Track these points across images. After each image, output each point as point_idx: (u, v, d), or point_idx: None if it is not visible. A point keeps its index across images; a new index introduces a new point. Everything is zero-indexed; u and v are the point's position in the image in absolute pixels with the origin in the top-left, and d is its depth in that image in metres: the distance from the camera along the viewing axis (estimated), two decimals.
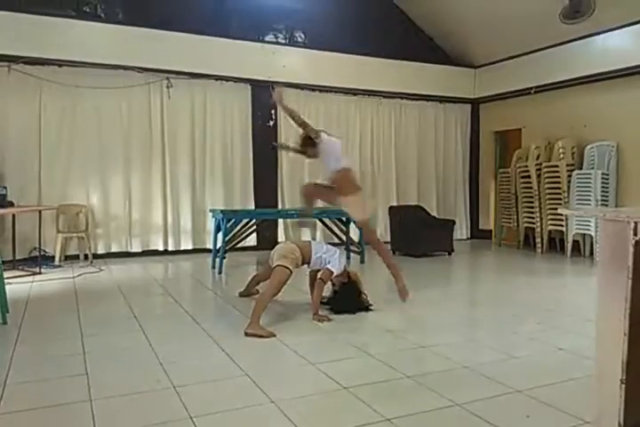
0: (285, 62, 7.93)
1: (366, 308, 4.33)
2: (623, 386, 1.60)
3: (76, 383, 2.71)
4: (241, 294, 4.83)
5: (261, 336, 3.54)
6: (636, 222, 1.48)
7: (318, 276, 4.23)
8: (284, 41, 8.24)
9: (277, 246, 4.38)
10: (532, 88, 8.21)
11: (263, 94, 7.92)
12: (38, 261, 6.15)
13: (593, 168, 7.24)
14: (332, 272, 4.21)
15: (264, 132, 8.00)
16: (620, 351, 1.55)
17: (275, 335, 3.56)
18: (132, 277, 6.17)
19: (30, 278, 5.71)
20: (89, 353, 3.19)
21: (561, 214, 7.24)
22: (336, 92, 8.41)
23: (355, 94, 8.58)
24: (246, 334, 3.56)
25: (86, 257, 6.84)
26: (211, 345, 3.37)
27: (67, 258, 6.78)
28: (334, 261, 4.24)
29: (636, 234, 1.49)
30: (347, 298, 4.28)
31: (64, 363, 3.04)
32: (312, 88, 8.23)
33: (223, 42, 7.45)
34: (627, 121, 7.07)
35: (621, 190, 7.18)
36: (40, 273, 5.97)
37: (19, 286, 5.30)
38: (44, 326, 3.92)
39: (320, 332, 3.75)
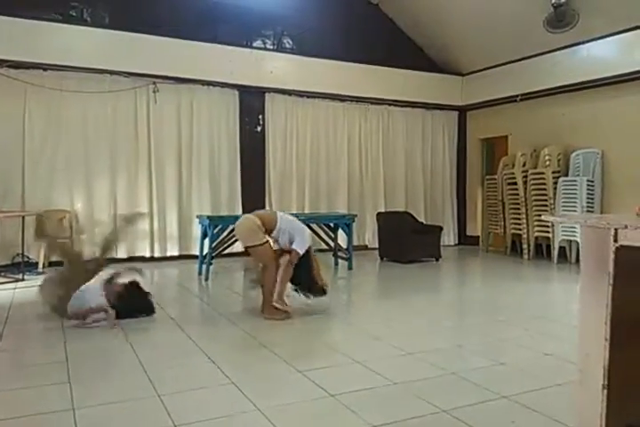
0: (273, 68, 7.93)
1: (323, 291, 4.28)
2: (605, 391, 1.61)
3: (58, 392, 2.66)
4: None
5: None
6: (616, 229, 1.49)
7: (286, 259, 4.12)
8: (272, 47, 8.25)
9: (236, 226, 4.24)
10: (517, 96, 8.29)
11: (251, 100, 7.94)
12: (21, 267, 6.06)
13: (578, 175, 7.31)
14: (299, 253, 4.09)
15: (252, 137, 7.99)
16: (601, 357, 1.56)
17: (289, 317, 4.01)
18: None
19: (13, 285, 5.63)
20: (71, 361, 3.14)
21: (547, 221, 7.29)
22: (324, 97, 8.43)
23: (342, 100, 8.60)
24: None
25: None
26: (196, 352, 3.33)
27: (50, 264, 6.69)
28: (301, 240, 4.09)
29: (616, 240, 1.51)
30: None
31: (46, 371, 3.00)
32: (300, 94, 8.24)
33: (211, 47, 7.45)
34: (611, 128, 7.16)
35: (606, 197, 7.25)
36: (23, 280, 5.88)
37: (1, 292, 5.22)
38: (26, 333, 3.87)
39: (306, 338, 3.73)
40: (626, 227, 1.47)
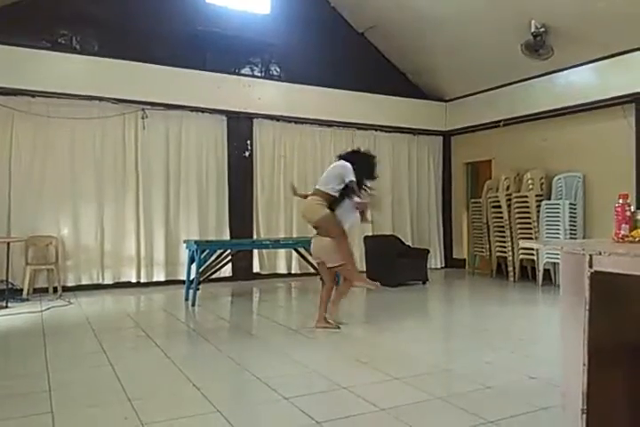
0: (261, 94, 8.05)
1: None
2: (584, 416, 1.63)
3: (40, 422, 2.62)
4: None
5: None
6: (590, 255, 1.53)
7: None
8: (259, 74, 8.38)
9: (301, 210, 4.89)
10: (500, 121, 8.46)
11: (239, 125, 8.02)
12: (5, 294, 5.99)
13: (561, 198, 7.43)
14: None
15: (240, 162, 8.05)
16: (580, 382, 1.59)
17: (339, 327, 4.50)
18: (103, 310, 6.06)
19: None
20: (55, 390, 3.10)
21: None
22: (311, 123, 8.54)
23: (330, 126, 8.72)
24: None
25: (55, 290, 6.69)
26: (182, 381, 3.30)
27: (35, 291, 6.61)
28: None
29: (591, 266, 1.55)
30: None
31: (29, 401, 2.95)
32: (288, 120, 8.35)
33: (199, 74, 7.55)
34: (592, 153, 7.31)
35: (589, 220, 7.37)
36: (7, 307, 5.80)
37: None
38: (9, 362, 3.81)
39: (290, 362, 3.71)
40: (600, 253, 1.52)
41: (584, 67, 7.23)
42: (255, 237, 8.08)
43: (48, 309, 5.76)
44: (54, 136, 6.85)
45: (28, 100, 6.67)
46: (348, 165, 4.62)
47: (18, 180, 6.66)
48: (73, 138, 6.96)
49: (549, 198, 7.62)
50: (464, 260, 9.45)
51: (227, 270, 7.59)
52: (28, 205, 6.71)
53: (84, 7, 7.02)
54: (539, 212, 7.55)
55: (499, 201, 8.08)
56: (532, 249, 7.54)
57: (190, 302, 6.05)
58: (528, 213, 7.67)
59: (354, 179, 4.53)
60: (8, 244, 6.09)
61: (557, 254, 7.14)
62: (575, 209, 7.31)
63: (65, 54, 6.84)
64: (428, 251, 8.15)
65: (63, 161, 6.92)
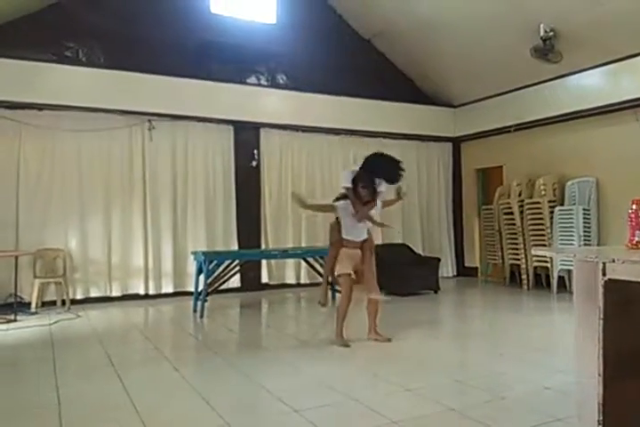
0: (268, 103, 8.04)
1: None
2: None
3: None
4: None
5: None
6: (604, 263, 1.46)
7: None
8: (265, 83, 8.38)
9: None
10: (511, 126, 8.37)
11: (246, 135, 8.01)
12: (14, 307, 5.97)
13: (574, 204, 7.31)
14: None
15: (247, 172, 8.02)
16: (596, 392, 1.51)
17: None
18: (111, 323, 6.02)
19: (5, 326, 5.52)
20: (64, 404, 3.06)
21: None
22: (318, 131, 8.50)
23: (337, 134, 8.68)
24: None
25: (63, 303, 6.67)
26: (191, 394, 3.24)
27: (43, 304, 6.60)
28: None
29: (604, 274, 1.48)
30: None
31: (38, 414, 2.92)
32: (295, 128, 8.32)
33: (205, 84, 7.55)
34: (604, 157, 7.20)
35: (603, 225, 7.23)
36: (15, 320, 5.78)
37: None
38: (18, 376, 3.78)
39: (300, 375, 3.65)
40: (613, 261, 1.45)
41: (594, 70, 7.13)
42: (263, 247, 8.03)
43: (56, 322, 5.73)
44: (61, 149, 6.87)
45: (35, 114, 6.69)
46: (345, 172, 4.74)
47: (25, 193, 6.66)
48: (80, 150, 6.97)
49: (562, 204, 7.50)
50: (476, 268, 9.31)
51: (235, 281, 7.53)
52: (36, 219, 6.71)
53: (90, 20, 7.05)
54: (552, 218, 7.43)
55: (511, 207, 7.97)
56: (546, 256, 7.42)
57: (199, 314, 5.99)
58: (541, 219, 7.55)
59: (347, 185, 4.55)
60: (16, 257, 6.10)
61: (572, 261, 7.01)
62: (589, 215, 7.18)
63: (71, 67, 6.86)
64: (439, 259, 8.04)
65: (70, 174, 6.93)
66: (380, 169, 4.63)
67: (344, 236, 4.62)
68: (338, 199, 4.66)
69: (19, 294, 6.32)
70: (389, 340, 4.60)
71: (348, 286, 4.56)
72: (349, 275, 4.55)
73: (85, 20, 7.04)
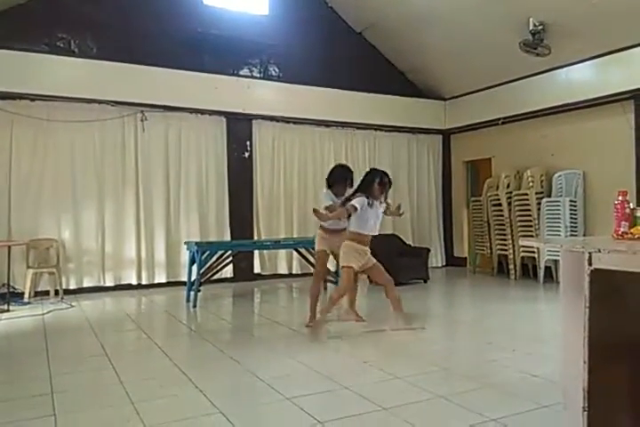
0: (260, 95, 8.05)
1: None
2: (585, 413, 1.62)
3: (43, 425, 2.62)
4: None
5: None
6: (590, 253, 1.53)
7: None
8: (258, 75, 8.38)
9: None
10: (500, 119, 8.46)
11: (238, 126, 8.02)
12: (7, 297, 5.99)
13: (561, 196, 7.43)
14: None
15: (239, 163, 8.05)
16: (581, 379, 1.58)
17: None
18: (104, 312, 6.06)
19: None
20: (57, 393, 3.10)
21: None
22: (310, 124, 8.54)
23: (328, 126, 8.71)
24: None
25: (57, 293, 6.69)
26: (184, 382, 3.30)
27: (37, 294, 6.63)
28: None
29: (590, 264, 1.55)
30: None
31: (31, 404, 2.95)
32: (286, 120, 8.35)
33: (198, 75, 7.54)
34: (592, 150, 7.31)
35: (589, 216, 7.37)
36: (8, 310, 5.81)
37: None
38: (12, 365, 3.81)
39: (292, 363, 3.71)
40: (599, 251, 1.52)
41: (583, 64, 7.22)
42: (256, 237, 8.09)
43: (50, 312, 5.77)
44: (54, 139, 6.85)
45: (27, 104, 6.67)
46: (324, 192, 5.07)
47: (18, 183, 6.66)
48: (72, 141, 6.96)
49: (550, 196, 7.61)
50: (465, 258, 9.45)
51: (228, 271, 7.60)
52: (29, 209, 6.71)
53: (82, 10, 7.02)
54: (539, 209, 7.55)
55: (499, 199, 8.07)
56: (533, 247, 7.53)
57: (192, 304, 6.05)
58: (529, 210, 7.66)
59: (327, 204, 4.87)
60: (9, 247, 6.10)
61: (558, 252, 7.13)
62: (576, 206, 7.31)
63: (63, 57, 6.84)
64: (429, 250, 8.15)
65: (63, 164, 6.92)
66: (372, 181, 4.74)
67: (359, 230, 4.63)
68: (348, 199, 4.62)
69: (12, 284, 6.34)
70: (423, 328, 4.78)
71: (351, 278, 4.57)
72: (353, 269, 4.55)
73: (77, 11, 7.00)
